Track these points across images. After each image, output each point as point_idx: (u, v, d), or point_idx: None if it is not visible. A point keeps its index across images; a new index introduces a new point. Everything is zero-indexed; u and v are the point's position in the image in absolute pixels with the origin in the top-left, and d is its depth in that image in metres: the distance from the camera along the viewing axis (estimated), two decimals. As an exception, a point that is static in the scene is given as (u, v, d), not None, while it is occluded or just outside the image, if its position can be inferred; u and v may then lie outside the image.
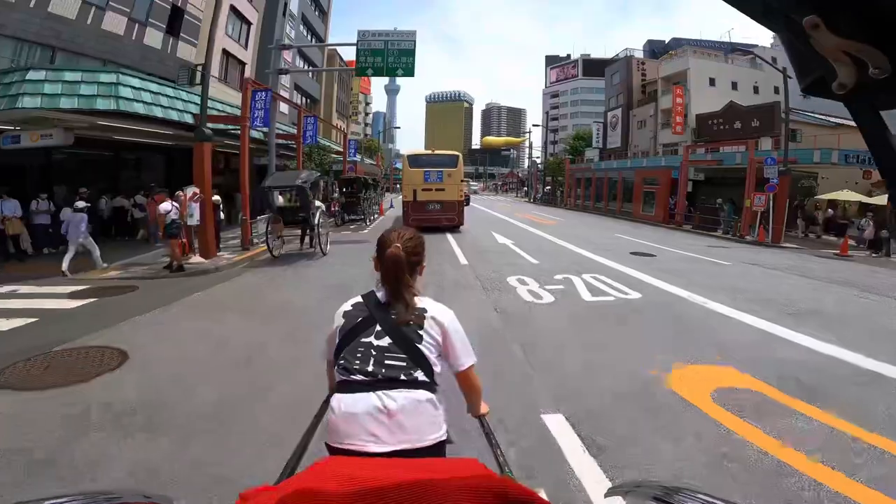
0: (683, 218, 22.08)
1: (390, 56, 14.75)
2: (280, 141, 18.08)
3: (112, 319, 6.03)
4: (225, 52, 24.70)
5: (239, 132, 12.17)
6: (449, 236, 14.78)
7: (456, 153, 18.04)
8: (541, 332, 5.56)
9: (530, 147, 59.24)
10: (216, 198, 11.04)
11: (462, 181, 17.56)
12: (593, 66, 78.67)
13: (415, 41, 14.86)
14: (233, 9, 25.01)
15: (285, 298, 7.29)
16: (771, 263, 11.71)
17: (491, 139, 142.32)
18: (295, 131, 17.56)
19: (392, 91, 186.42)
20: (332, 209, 18.83)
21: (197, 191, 10.14)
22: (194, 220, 10.20)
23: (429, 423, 1.44)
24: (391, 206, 30.73)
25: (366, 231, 17.00)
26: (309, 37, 42.02)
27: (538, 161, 52.92)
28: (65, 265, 8.71)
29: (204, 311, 6.59)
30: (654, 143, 36.54)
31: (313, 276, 9.14)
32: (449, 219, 16.56)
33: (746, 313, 6.55)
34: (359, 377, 1.46)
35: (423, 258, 1.73)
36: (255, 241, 12.04)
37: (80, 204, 9.33)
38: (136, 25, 17.47)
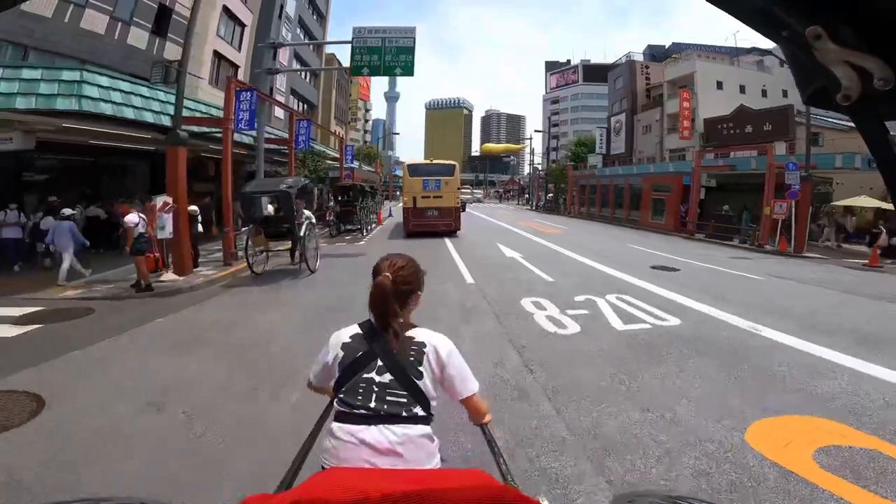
0: (696, 226, 21.03)
1: (388, 54, 13.77)
2: (270, 146, 17.06)
3: (49, 352, 5.00)
4: (216, 54, 23.76)
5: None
6: (452, 249, 13.71)
7: (453, 163, 18.61)
8: (573, 376, 4.45)
9: (532, 153, 58.42)
10: (192, 208, 9.97)
11: (458, 189, 18.25)
12: (594, 72, 78.54)
13: (414, 38, 13.89)
14: (225, 9, 24.10)
15: (260, 328, 6.19)
16: (802, 276, 10.64)
17: (491, 146, 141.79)
18: (287, 136, 16.57)
19: (392, 98, 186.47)
20: (327, 219, 17.78)
21: (169, 200, 9.08)
22: (166, 232, 9.12)
23: (426, 454, 1.48)
24: (390, 215, 29.65)
25: (362, 242, 15.93)
26: (306, 40, 41.21)
27: (539, 168, 52.07)
28: (62, 277, 8.40)
29: (158, 343, 5.49)
30: (660, 148, 35.61)
31: (297, 298, 8.04)
32: (446, 224, 17.15)
33: (810, 342, 5.48)
34: (360, 412, 1.47)
35: (419, 286, 1.69)
36: (241, 255, 10.97)
37: (67, 211, 8.79)
38: (119, 24, 16.52)
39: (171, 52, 18.34)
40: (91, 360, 4.89)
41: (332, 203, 18.27)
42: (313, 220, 10.20)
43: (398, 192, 63.73)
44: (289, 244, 10.26)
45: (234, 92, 11.04)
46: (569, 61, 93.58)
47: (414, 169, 18.30)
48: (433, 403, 1.52)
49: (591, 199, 32.94)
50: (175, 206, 9.10)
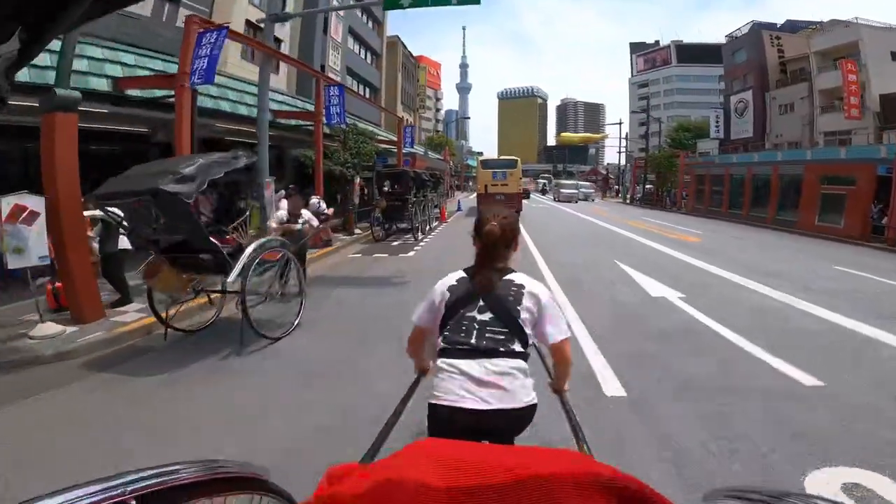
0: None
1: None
2: (286, 121, 12.75)
3: None
4: (249, 24, 20.09)
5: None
6: (549, 276, 8.41)
7: (515, 158, 22.42)
8: None
9: (626, 139, 50.45)
10: (94, 213, 5.61)
11: (521, 178, 22.07)
12: (689, 52, 72.14)
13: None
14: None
15: None
16: None
17: (568, 135, 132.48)
18: (313, 108, 12.15)
19: (463, 89, 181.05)
20: (375, 215, 13.18)
21: (28, 205, 4.75)
22: (32, 256, 4.81)
23: (521, 387, 1.60)
24: (459, 209, 24.63)
25: (411, 254, 10.99)
26: (365, 20, 37.32)
27: (635, 154, 44.46)
28: None
29: None
30: (810, 130, 27.55)
31: (211, 414, 3.33)
32: (510, 205, 16.33)
33: None
34: (463, 347, 1.63)
35: (518, 231, 1.86)
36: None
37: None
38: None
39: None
40: None
41: (378, 196, 13.58)
42: (267, 243, 5.12)
43: (470, 183, 59.36)
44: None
45: (195, 36, 6.59)
46: (657, 42, 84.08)
47: (485, 163, 22.72)
48: (531, 341, 1.68)
49: (713, 192, 25.85)
50: (34, 212, 4.75)
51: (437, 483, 0.66)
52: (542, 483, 0.67)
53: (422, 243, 12.45)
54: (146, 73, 8.39)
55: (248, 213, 5.35)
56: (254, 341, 4.71)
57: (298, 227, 6.36)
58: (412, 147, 21.24)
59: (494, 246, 1.70)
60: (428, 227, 15.61)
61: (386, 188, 13.95)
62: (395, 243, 12.51)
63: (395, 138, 20.83)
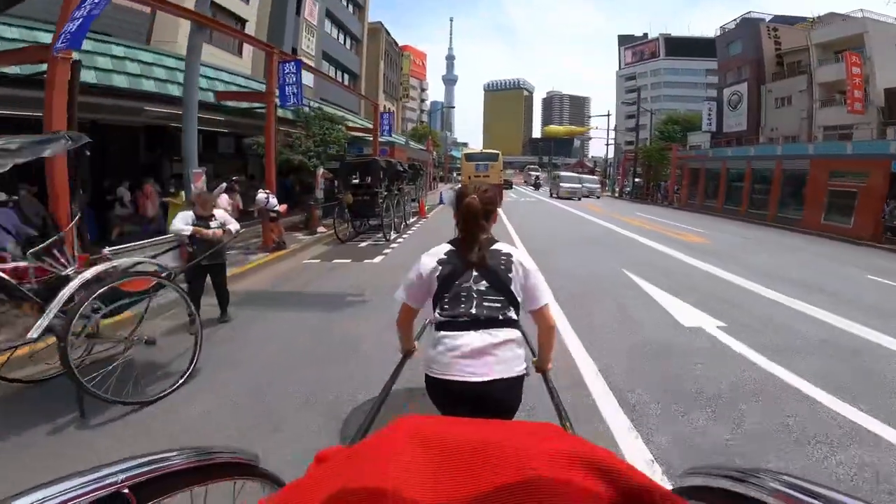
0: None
1: None
2: (235, 104, 11.05)
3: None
4: (214, 5, 17.98)
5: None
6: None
7: (497, 151, 25.13)
8: None
9: (616, 130, 49.12)
10: None
11: (501, 170, 24.58)
12: (678, 45, 71.65)
13: None
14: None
15: None
16: None
17: (553, 128, 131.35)
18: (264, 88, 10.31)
19: (450, 81, 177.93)
20: (339, 211, 11.46)
21: None
22: None
23: (516, 357, 1.68)
24: (441, 202, 22.79)
25: (381, 258, 9.28)
26: (345, 3, 35.19)
27: (623, 147, 43.15)
28: None
29: None
30: (808, 124, 26.47)
31: None
32: None
33: None
34: (463, 319, 1.66)
35: (498, 205, 1.93)
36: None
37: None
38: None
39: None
40: None
41: (343, 190, 11.75)
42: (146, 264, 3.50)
43: (454, 174, 57.53)
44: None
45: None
46: (646, 35, 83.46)
47: (469, 156, 25.94)
48: (521, 307, 1.74)
49: (708, 186, 24.65)
50: None
51: (416, 457, 0.67)
52: (517, 454, 0.67)
53: (394, 245, 10.77)
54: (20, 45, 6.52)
55: (67, 230, 3.51)
56: (107, 408, 3.05)
57: (211, 232, 4.67)
58: (390, 135, 19.33)
59: (475, 217, 1.74)
60: (404, 224, 13.90)
61: (355, 179, 12.18)
62: (363, 244, 10.80)
63: (370, 125, 19.00)
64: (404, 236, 12.31)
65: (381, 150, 18.96)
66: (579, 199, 30.66)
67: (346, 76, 34.57)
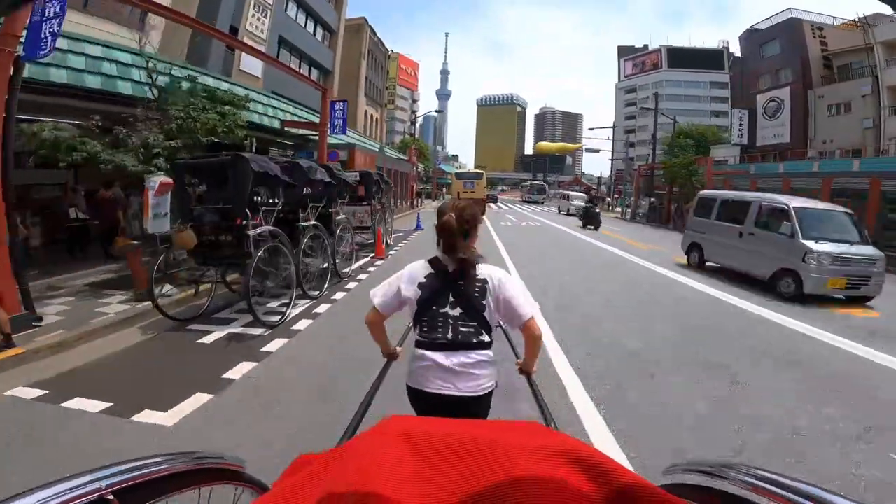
0: None
1: None
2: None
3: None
4: None
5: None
6: None
7: (481, 171, 32.65)
8: None
9: (614, 148, 44.48)
10: None
11: (485, 187, 30.37)
12: (681, 56, 68.43)
13: None
14: None
15: None
16: None
17: (545, 144, 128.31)
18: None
19: (443, 95, 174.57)
20: (164, 260, 5.75)
21: None
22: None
23: (487, 375, 1.78)
24: (418, 228, 17.08)
25: (239, 393, 3.83)
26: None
27: (619, 164, 38.07)
28: None
29: None
30: (875, 135, 21.60)
31: None
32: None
33: None
34: (440, 341, 1.75)
35: (478, 222, 1.89)
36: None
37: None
38: None
39: None
40: None
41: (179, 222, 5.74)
42: None
43: (444, 189, 52.36)
44: None
45: None
46: (646, 46, 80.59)
47: (458, 175, 32.35)
48: (494, 330, 1.83)
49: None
50: None
51: (403, 457, 0.66)
52: (504, 452, 0.67)
53: (297, 331, 5.17)
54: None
55: None
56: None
57: None
58: (345, 132, 13.48)
59: (451, 235, 1.77)
60: (330, 277, 7.64)
61: (200, 201, 6.15)
62: (216, 334, 5.14)
63: (314, 118, 13.41)
64: (331, 301, 6.67)
65: (331, 154, 13.48)
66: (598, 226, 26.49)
67: (312, 70, 29.22)
